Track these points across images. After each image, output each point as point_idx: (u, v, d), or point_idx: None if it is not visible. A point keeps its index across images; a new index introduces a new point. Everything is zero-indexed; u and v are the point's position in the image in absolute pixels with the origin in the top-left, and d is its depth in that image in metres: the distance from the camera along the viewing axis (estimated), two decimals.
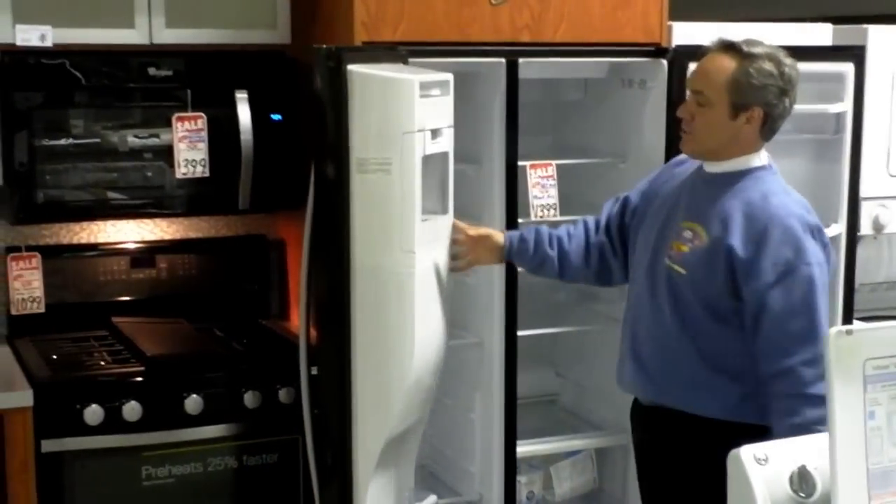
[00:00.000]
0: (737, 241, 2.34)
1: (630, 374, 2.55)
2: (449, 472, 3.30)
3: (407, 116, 2.49)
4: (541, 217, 2.97)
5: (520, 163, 2.96)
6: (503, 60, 2.90)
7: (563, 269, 2.72)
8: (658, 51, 3.07)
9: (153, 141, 3.12)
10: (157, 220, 3.46)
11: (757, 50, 2.36)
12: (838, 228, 3.26)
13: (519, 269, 2.92)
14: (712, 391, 2.41)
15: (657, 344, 2.48)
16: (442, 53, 2.80)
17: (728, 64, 2.36)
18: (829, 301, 2.39)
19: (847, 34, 3.42)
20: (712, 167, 2.46)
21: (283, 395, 3.04)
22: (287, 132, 3.19)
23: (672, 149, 2.91)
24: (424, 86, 2.51)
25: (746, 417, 2.36)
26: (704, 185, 2.46)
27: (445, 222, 2.68)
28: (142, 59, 3.08)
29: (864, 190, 3.35)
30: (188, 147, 3.05)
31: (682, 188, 2.52)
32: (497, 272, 2.98)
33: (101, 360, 3.09)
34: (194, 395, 2.95)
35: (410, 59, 2.69)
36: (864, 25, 3.43)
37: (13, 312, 3.23)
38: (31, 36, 2.92)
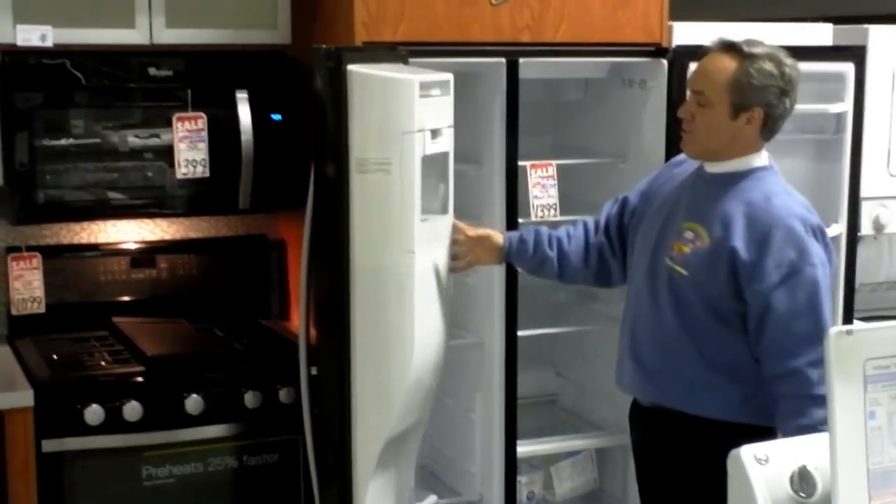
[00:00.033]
0: (739, 242, 2.34)
1: (630, 375, 2.55)
2: (449, 472, 3.30)
3: (407, 116, 2.49)
4: (541, 217, 2.97)
5: (520, 163, 2.96)
6: (503, 60, 2.90)
7: (563, 270, 2.72)
8: (658, 51, 3.07)
9: (153, 141, 3.12)
10: (158, 220, 3.46)
11: (757, 50, 2.36)
12: (839, 228, 3.26)
13: (519, 270, 2.92)
14: (713, 391, 2.41)
15: (657, 344, 2.48)
16: (442, 53, 2.80)
17: (728, 64, 2.36)
18: (830, 301, 2.39)
19: (847, 34, 3.42)
20: (713, 167, 2.45)
21: (284, 395, 3.04)
22: (287, 132, 3.19)
23: (672, 149, 2.91)
24: (424, 86, 2.51)
25: (747, 418, 2.36)
26: (705, 185, 2.46)
27: (445, 222, 2.68)
28: (142, 59, 3.08)
29: (865, 190, 3.35)
30: (188, 147, 3.05)
31: (683, 188, 2.52)
32: (497, 272, 2.98)
33: (102, 360, 3.09)
34: (195, 395, 2.95)
35: (411, 59, 2.69)
36: (865, 25, 3.43)
37: (14, 312, 3.23)
38: (32, 36, 2.92)
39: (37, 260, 3.24)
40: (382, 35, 2.84)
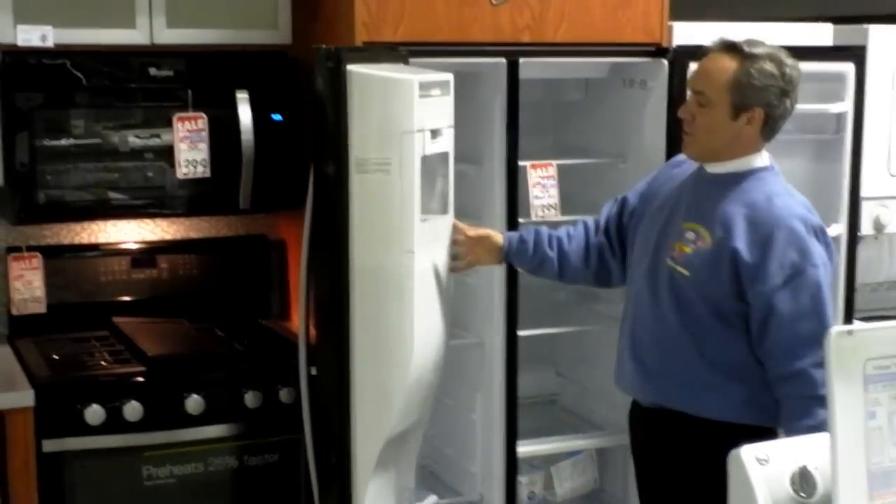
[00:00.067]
0: (741, 243, 2.33)
1: (630, 375, 2.55)
2: (450, 472, 3.30)
3: (406, 116, 2.49)
4: (541, 217, 2.98)
5: (520, 163, 2.96)
6: (504, 60, 2.91)
7: (563, 270, 2.72)
8: (659, 51, 3.07)
9: (154, 141, 3.12)
10: (158, 221, 3.46)
11: (758, 50, 2.36)
12: (839, 228, 3.27)
13: (519, 270, 2.92)
14: (713, 392, 2.41)
15: (658, 345, 2.47)
16: (443, 53, 2.80)
17: (729, 64, 2.36)
18: (832, 302, 2.39)
19: (848, 34, 3.42)
20: (714, 167, 2.45)
21: (284, 395, 3.04)
22: (288, 132, 3.19)
23: (672, 149, 2.91)
24: (424, 86, 2.51)
25: (748, 419, 2.36)
26: (706, 185, 2.46)
27: (445, 222, 2.68)
28: (143, 59, 3.07)
29: (865, 190, 3.35)
30: (189, 147, 3.05)
31: (683, 189, 2.52)
32: (498, 272, 2.98)
33: (102, 360, 3.09)
34: (195, 395, 2.95)
35: (411, 60, 2.69)
36: (865, 25, 3.43)
37: (14, 312, 3.24)
38: (33, 36, 2.92)
39: (37, 260, 3.24)
40: (383, 35, 2.84)
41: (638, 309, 2.53)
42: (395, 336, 2.58)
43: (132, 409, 2.89)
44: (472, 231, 2.73)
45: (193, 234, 3.53)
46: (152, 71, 3.08)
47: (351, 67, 2.54)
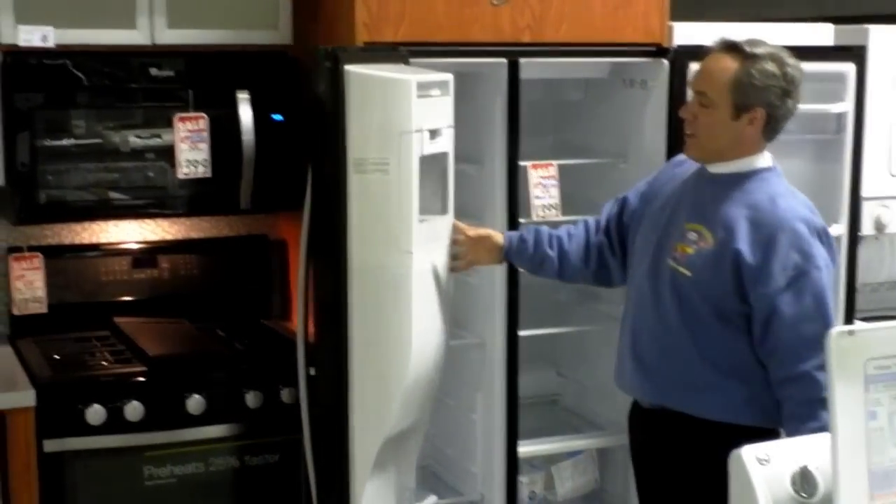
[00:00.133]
0: (744, 245, 2.33)
1: (630, 375, 2.55)
2: (451, 472, 3.30)
3: (404, 116, 2.49)
4: (542, 217, 2.98)
5: (521, 163, 2.96)
6: (504, 61, 2.91)
7: (563, 269, 2.72)
8: (659, 51, 3.07)
9: (155, 141, 3.12)
10: (159, 221, 3.46)
11: (759, 50, 2.36)
12: (840, 229, 3.27)
13: (520, 270, 2.92)
14: (714, 392, 2.40)
15: (659, 345, 2.47)
16: (443, 54, 2.80)
17: (730, 64, 2.36)
18: (834, 303, 2.39)
19: (848, 34, 3.42)
20: (716, 168, 2.45)
21: (285, 395, 3.04)
22: (289, 132, 3.19)
23: (673, 149, 2.91)
24: (422, 86, 2.51)
25: (749, 420, 2.36)
26: (708, 185, 2.46)
27: (445, 222, 2.68)
28: (143, 59, 3.08)
29: (866, 190, 3.35)
30: (190, 147, 3.05)
31: (685, 189, 2.51)
32: (499, 272, 2.98)
33: (103, 360, 3.10)
34: (196, 395, 2.95)
35: (412, 60, 2.69)
36: (866, 25, 3.43)
37: (15, 312, 3.24)
38: (33, 36, 2.92)
39: (38, 260, 3.24)
40: (383, 35, 2.84)
41: (639, 309, 2.53)
42: (393, 336, 2.58)
43: (133, 409, 2.89)
44: (473, 231, 2.73)
45: (194, 234, 3.53)
46: (153, 71, 3.08)
47: (349, 67, 2.54)
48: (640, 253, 2.56)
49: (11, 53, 2.94)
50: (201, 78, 3.14)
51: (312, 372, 2.84)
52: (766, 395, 2.36)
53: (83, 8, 3.01)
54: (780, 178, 2.44)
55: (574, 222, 2.78)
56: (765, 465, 1.72)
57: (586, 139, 3.34)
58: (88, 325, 3.33)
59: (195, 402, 2.95)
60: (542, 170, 3.00)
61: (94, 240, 3.42)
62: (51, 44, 2.94)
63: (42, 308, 3.23)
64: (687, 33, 3.13)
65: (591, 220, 2.76)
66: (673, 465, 2.51)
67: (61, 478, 2.87)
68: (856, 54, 3.25)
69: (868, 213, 3.44)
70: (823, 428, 2.13)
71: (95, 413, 2.85)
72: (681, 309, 2.42)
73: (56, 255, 3.32)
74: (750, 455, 1.73)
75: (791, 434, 2.24)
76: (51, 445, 2.84)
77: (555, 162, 3.03)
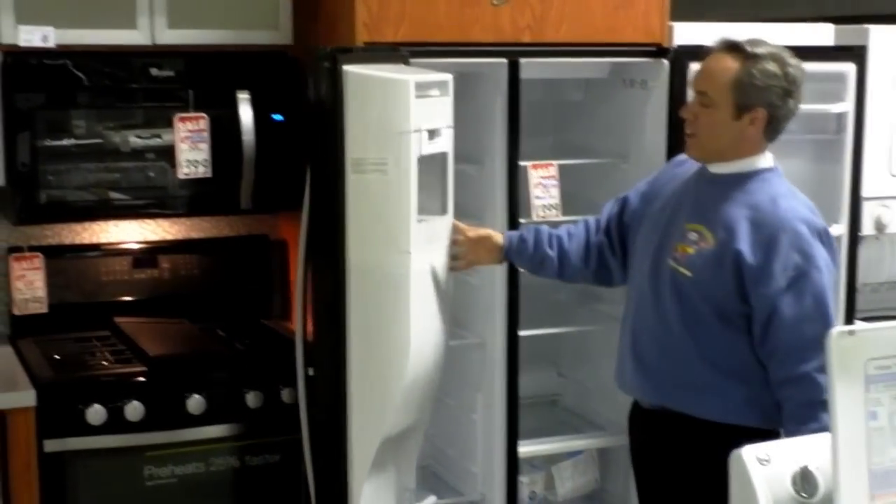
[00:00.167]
0: (745, 245, 2.33)
1: (631, 376, 2.55)
2: (451, 472, 3.30)
3: (402, 117, 2.49)
4: (542, 217, 2.98)
5: (521, 163, 2.96)
6: (505, 61, 2.91)
7: (563, 269, 2.72)
8: (659, 51, 3.07)
9: (155, 141, 3.12)
10: (160, 221, 3.46)
11: (761, 50, 2.35)
12: (840, 229, 3.27)
13: (521, 270, 2.92)
14: (715, 394, 2.40)
15: (660, 346, 2.47)
16: (443, 54, 2.80)
17: (731, 64, 2.35)
18: (834, 304, 2.39)
19: (848, 34, 3.42)
20: (717, 168, 2.45)
21: (286, 395, 3.04)
22: (289, 132, 3.19)
23: (673, 149, 2.91)
24: (421, 86, 2.51)
25: (749, 421, 2.36)
26: (709, 186, 2.45)
27: (444, 223, 2.68)
28: (144, 59, 3.08)
29: (866, 190, 3.35)
30: (190, 147, 3.05)
31: (685, 189, 2.51)
32: (499, 272, 2.98)
33: (104, 360, 3.10)
34: (196, 395, 2.95)
35: (412, 60, 2.69)
36: (866, 25, 3.43)
37: (16, 312, 3.24)
38: (34, 37, 2.92)
39: (39, 260, 3.24)
40: (384, 35, 2.84)
41: (639, 309, 2.53)
42: (391, 336, 2.58)
43: (133, 409, 2.89)
44: (473, 232, 2.73)
45: (195, 235, 3.53)
46: (153, 71, 3.08)
47: (347, 68, 2.54)
48: (641, 253, 2.56)
49: (12, 53, 2.94)
50: (202, 78, 3.14)
51: (311, 372, 2.84)
52: (766, 396, 2.36)
53: (83, 8, 3.02)
54: (781, 179, 2.44)
55: (574, 222, 2.78)
56: (765, 465, 1.72)
57: (587, 139, 3.34)
58: (89, 325, 3.33)
59: (195, 402, 2.95)
60: (543, 170, 3.00)
61: (95, 240, 3.42)
62: (51, 44, 2.94)
63: (42, 308, 3.23)
64: (687, 33, 3.13)
65: (591, 219, 2.76)
66: (673, 466, 2.51)
67: (62, 478, 2.87)
68: (856, 54, 3.25)
69: (868, 213, 3.43)
70: (823, 429, 2.13)
71: (96, 413, 2.85)
72: (681, 309, 2.41)
73: (56, 255, 3.32)
74: (750, 455, 1.74)
75: (790, 435, 2.23)
76: (51, 445, 2.84)
77: (555, 162, 3.03)
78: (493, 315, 3.03)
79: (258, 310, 3.55)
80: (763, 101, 2.35)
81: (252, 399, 3.02)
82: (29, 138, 2.97)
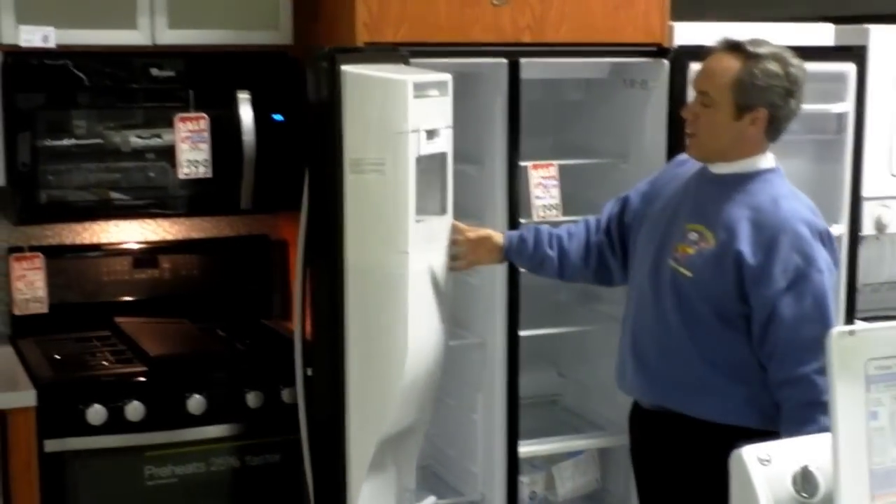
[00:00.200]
0: (745, 246, 2.32)
1: (631, 376, 2.55)
2: (451, 472, 3.30)
3: (400, 117, 2.49)
4: (543, 217, 2.98)
5: (521, 163, 2.96)
6: (505, 61, 2.91)
7: (563, 269, 2.72)
8: (659, 51, 3.07)
9: (156, 141, 3.12)
10: (160, 221, 3.46)
11: (762, 50, 2.35)
12: (840, 229, 3.26)
13: (522, 269, 2.92)
14: (715, 394, 2.40)
15: (660, 346, 2.47)
16: (443, 54, 2.80)
17: (732, 64, 2.35)
18: (835, 306, 2.39)
19: (849, 34, 3.42)
20: (718, 168, 2.45)
21: (286, 395, 3.04)
22: (289, 133, 3.19)
23: (674, 149, 2.91)
24: (419, 86, 2.51)
25: (749, 421, 2.35)
26: (710, 186, 2.45)
27: (443, 223, 2.68)
28: (144, 59, 3.08)
29: (866, 190, 3.35)
30: (190, 147, 3.05)
31: (686, 189, 2.51)
32: (499, 272, 2.99)
33: (104, 360, 3.10)
34: (197, 395, 2.95)
35: (412, 60, 2.69)
36: (866, 25, 3.43)
37: (16, 313, 3.24)
38: (34, 37, 2.92)
39: (39, 260, 3.24)
40: (384, 35, 2.84)
41: (639, 309, 2.53)
42: (389, 337, 2.58)
43: (134, 409, 2.89)
44: (473, 233, 2.73)
45: (195, 235, 3.53)
46: (154, 71, 3.08)
47: (345, 68, 2.54)
48: (642, 253, 2.56)
49: (13, 54, 2.94)
50: (202, 78, 3.14)
51: (310, 372, 2.84)
52: (766, 397, 2.36)
53: (84, 8, 3.02)
54: (782, 180, 2.43)
55: (575, 223, 2.78)
56: (766, 465, 1.72)
57: (587, 139, 3.34)
58: (89, 325, 3.33)
59: (196, 402, 2.95)
60: (543, 170, 3.00)
61: (95, 240, 3.42)
62: (52, 44, 2.94)
63: (43, 308, 3.24)
64: (687, 33, 3.13)
65: (591, 219, 2.76)
66: (673, 466, 2.51)
67: (62, 478, 2.87)
68: (856, 54, 3.25)
69: (869, 213, 3.43)
70: (820, 431, 2.13)
71: (96, 413, 2.85)
72: (681, 310, 2.41)
73: (57, 255, 3.32)
74: (751, 455, 1.73)
75: (788, 436, 2.22)
76: (51, 445, 2.85)
77: (555, 162, 3.03)
78: (494, 315, 3.03)
79: (258, 310, 3.55)
80: (764, 101, 2.34)
81: (252, 399, 3.02)
82: (29, 138, 2.98)
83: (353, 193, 2.57)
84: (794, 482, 1.72)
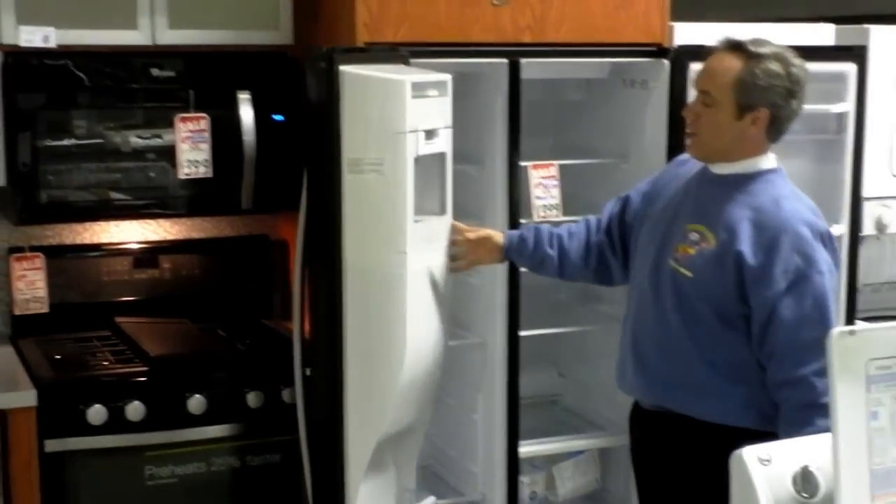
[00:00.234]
0: (746, 247, 2.32)
1: (631, 376, 2.55)
2: (452, 472, 3.30)
3: (398, 117, 2.49)
4: (543, 217, 2.98)
5: (522, 163, 2.96)
6: (505, 61, 2.91)
7: (563, 268, 2.72)
8: (660, 51, 3.07)
9: (156, 141, 3.12)
10: (160, 221, 3.46)
11: (763, 50, 2.35)
12: (841, 229, 3.26)
13: (522, 270, 2.93)
14: (715, 395, 2.40)
15: (660, 347, 2.47)
16: (444, 54, 2.80)
17: (734, 64, 2.35)
18: (835, 307, 2.38)
19: (849, 34, 3.42)
20: (719, 168, 2.44)
21: (286, 395, 3.04)
22: (289, 133, 3.19)
23: (674, 149, 2.91)
24: (418, 86, 2.51)
25: (749, 422, 2.35)
26: (711, 186, 2.45)
27: (443, 223, 2.68)
28: (145, 59, 3.08)
29: (867, 190, 3.35)
30: (191, 147, 3.05)
31: (687, 189, 2.51)
32: (499, 272, 2.99)
33: (105, 360, 3.10)
34: (197, 395, 2.95)
35: (412, 60, 2.69)
36: (866, 25, 3.43)
37: (17, 313, 3.24)
38: (35, 37, 2.92)
39: (40, 260, 3.24)
40: (384, 36, 2.84)
41: (640, 310, 2.53)
42: (388, 337, 2.58)
43: (134, 409, 2.89)
44: (473, 234, 2.73)
45: (195, 235, 3.53)
46: (154, 71, 3.08)
47: (344, 68, 2.54)
48: (642, 253, 2.55)
49: (13, 54, 2.94)
50: (202, 78, 3.14)
51: (308, 372, 2.84)
52: (766, 398, 2.35)
53: (84, 8, 3.02)
54: (784, 180, 2.43)
55: (575, 222, 2.78)
56: (766, 465, 1.72)
57: (587, 139, 3.34)
58: (90, 325, 3.33)
59: (196, 402, 2.95)
60: (543, 170, 3.00)
61: (96, 240, 3.42)
62: (52, 44, 2.94)
63: (43, 308, 3.24)
64: (688, 33, 3.13)
65: (592, 218, 2.76)
66: (673, 467, 2.51)
67: (62, 478, 2.87)
68: (856, 54, 3.25)
69: (869, 213, 3.43)
70: (818, 433, 2.13)
71: (96, 413, 2.86)
72: (681, 310, 2.41)
73: (57, 255, 3.32)
74: (751, 455, 1.73)
75: (786, 437, 2.22)
76: (52, 445, 2.85)
77: (555, 162, 3.02)
78: (494, 315, 3.03)
79: (259, 310, 3.55)
80: (766, 101, 2.34)
81: (253, 399, 3.02)
82: (30, 138, 2.98)
83: (352, 193, 2.57)
84: (795, 482, 1.72)
